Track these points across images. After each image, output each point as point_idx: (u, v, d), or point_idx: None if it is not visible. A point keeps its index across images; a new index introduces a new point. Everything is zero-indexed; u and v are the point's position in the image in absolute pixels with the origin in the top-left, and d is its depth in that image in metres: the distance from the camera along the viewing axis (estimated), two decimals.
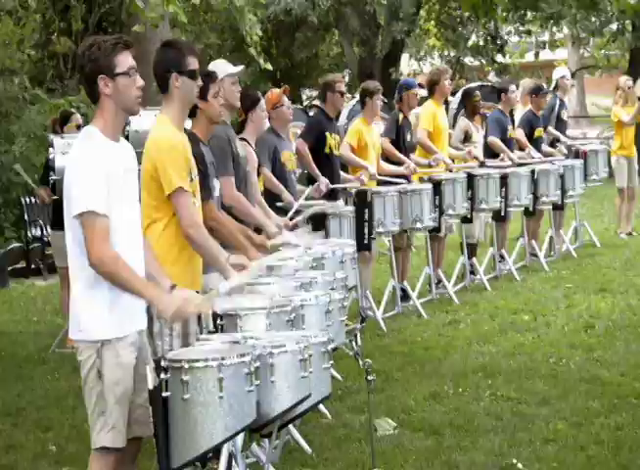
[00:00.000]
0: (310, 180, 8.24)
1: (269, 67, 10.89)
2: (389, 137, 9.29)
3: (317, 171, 8.20)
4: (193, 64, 4.72)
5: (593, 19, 22.31)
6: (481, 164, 10.10)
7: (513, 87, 10.95)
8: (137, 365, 4.01)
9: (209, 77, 5.27)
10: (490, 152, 10.49)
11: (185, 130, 5.06)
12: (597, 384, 6.51)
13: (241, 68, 6.21)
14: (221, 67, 6.02)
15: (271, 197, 7.20)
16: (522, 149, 10.96)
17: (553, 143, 11.73)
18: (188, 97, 4.76)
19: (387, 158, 9.25)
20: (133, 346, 3.99)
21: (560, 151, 11.52)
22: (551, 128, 11.70)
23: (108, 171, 3.85)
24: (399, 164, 9.16)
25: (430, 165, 9.42)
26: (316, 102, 22.66)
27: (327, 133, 8.36)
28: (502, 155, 10.44)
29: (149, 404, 3.94)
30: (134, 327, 4.01)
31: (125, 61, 3.92)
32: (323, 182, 8.06)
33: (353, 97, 15.64)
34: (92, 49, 3.90)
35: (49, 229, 12.19)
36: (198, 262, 4.85)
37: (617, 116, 12.61)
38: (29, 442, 6.00)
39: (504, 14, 21.58)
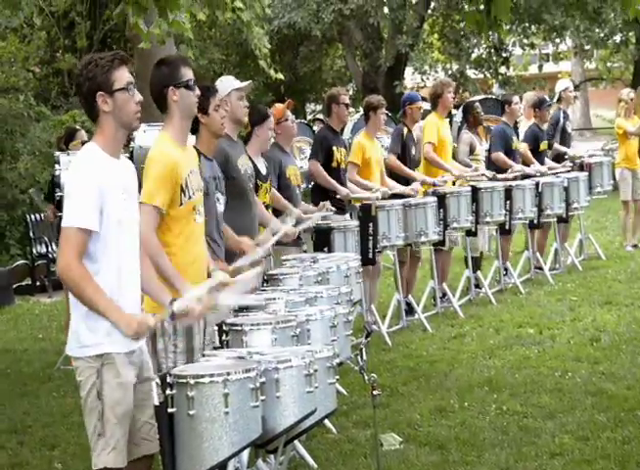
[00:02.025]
0: (317, 196, 8.26)
1: (280, 76, 10.92)
2: (395, 153, 9.31)
3: (337, 185, 8.27)
4: (187, 75, 4.71)
5: (597, 30, 22.35)
6: (492, 179, 10.10)
7: (516, 99, 10.97)
8: (138, 383, 3.99)
9: (209, 91, 5.27)
10: (494, 166, 10.50)
11: None
12: (603, 397, 6.49)
13: (248, 83, 6.22)
14: (228, 82, 6.05)
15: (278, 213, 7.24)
16: (526, 164, 10.95)
17: (557, 158, 11.73)
18: (188, 109, 4.75)
19: (392, 173, 9.27)
20: (133, 364, 3.97)
21: (564, 166, 11.51)
22: (557, 145, 11.70)
23: (102, 188, 3.84)
24: (406, 180, 9.22)
25: (434, 185, 9.42)
26: (319, 116, 22.77)
27: (334, 147, 8.40)
28: (509, 170, 10.46)
29: (154, 421, 3.94)
30: (135, 344, 3.99)
31: (123, 76, 3.92)
32: (343, 192, 8.22)
33: (357, 111, 15.66)
34: (89, 67, 3.90)
35: (55, 246, 12.26)
36: (202, 273, 4.83)
37: (621, 127, 12.61)
38: (35, 459, 5.99)
39: (507, 27, 21.65)
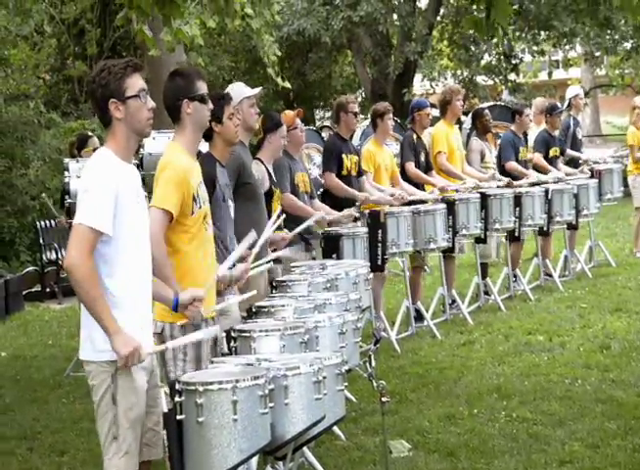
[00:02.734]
0: (328, 203, 8.25)
1: (287, 85, 10.94)
2: (411, 161, 9.31)
3: (355, 192, 8.28)
4: (202, 88, 4.75)
5: (607, 37, 22.31)
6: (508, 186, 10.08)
7: (528, 110, 10.96)
8: (147, 389, 4.00)
9: (223, 100, 5.30)
10: (506, 175, 10.47)
11: (201, 152, 5.07)
12: (613, 405, 6.47)
13: (258, 90, 6.26)
14: (239, 89, 6.08)
15: (298, 221, 7.27)
16: (540, 172, 10.93)
17: (570, 163, 11.71)
18: (200, 121, 4.78)
19: (407, 178, 9.29)
20: (145, 370, 3.99)
21: (582, 171, 11.50)
22: (570, 151, 11.70)
23: (118, 192, 3.85)
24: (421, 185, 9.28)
25: (457, 191, 9.45)
26: (327, 123, 22.74)
27: (343, 155, 8.41)
28: (524, 178, 10.46)
29: (159, 427, 3.95)
30: (148, 349, 4.00)
31: (135, 83, 3.94)
32: (361, 197, 8.22)
33: (366, 118, 15.68)
34: (102, 74, 3.91)
35: (65, 253, 12.29)
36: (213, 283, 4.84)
37: (633, 139, 12.52)
38: (45, 465, 6.01)
39: (517, 33, 21.65)
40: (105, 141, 4.07)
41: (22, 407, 7.37)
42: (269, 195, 6.48)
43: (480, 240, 9.76)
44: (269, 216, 6.26)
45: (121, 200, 3.86)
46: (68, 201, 8.26)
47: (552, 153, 11.25)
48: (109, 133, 4.00)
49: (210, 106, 4.80)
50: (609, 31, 21.86)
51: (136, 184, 4.03)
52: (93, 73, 3.98)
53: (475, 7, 6.80)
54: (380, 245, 8.26)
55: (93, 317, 3.80)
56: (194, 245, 4.67)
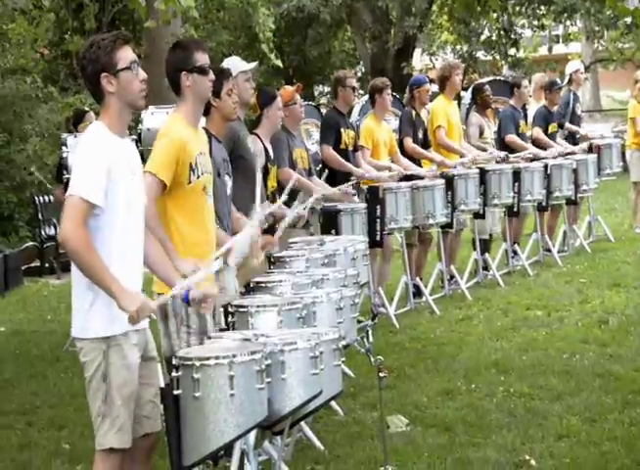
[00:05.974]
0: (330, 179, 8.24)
1: (279, 63, 10.88)
2: (410, 136, 9.28)
3: (352, 167, 8.25)
4: (201, 59, 4.74)
5: (608, 12, 22.17)
6: (504, 160, 10.06)
7: (525, 82, 10.93)
8: (142, 362, 4.00)
9: (223, 75, 5.29)
10: (505, 149, 10.44)
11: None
12: (611, 379, 6.49)
13: (254, 64, 6.26)
14: (234, 64, 6.07)
15: (295, 196, 7.25)
16: (539, 147, 10.89)
17: (570, 138, 11.68)
18: (201, 93, 4.79)
19: (406, 154, 9.26)
20: (137, 346, 3.98)
21: (581, 148, 11.47)
22: (569, 124, 11.67)
23: (110, 166, 3.83)
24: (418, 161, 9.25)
25: (454, 168, 9.43)
26: (323, 100, 22.67)
27: (341, 129, 8.40)
28: (523, 152, 10.43)
29: (158, 399, 3.96)
30: (141, 323, 3.96)
31: (126, 55, 3.91)
32: (358, 173, 8.22)
33: (365, 94, 15.63)
34: (92, 49, 3.89)
35: None
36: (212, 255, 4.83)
37: (634, 112, 12.48)
38: (43, 440, 6.02)
39: (517, 8, 21.54)
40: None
41: (21, 382, 7.39)
42: (264, 172, 6.45)
43: (479, 215, 9.75)
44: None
45: (114, 174, 3.84)
46: (66, 176, 8.24)
47: (551, 129, 11.23)
48: (102, 108, 3.97)
49: (212, 76, 4.79)
50: (609, 6, 21.70)
51: (131, 159, 4.01)
52: (83, 50, 3.96)
53: None
54: (378, 221, 8.26)
55: (95, 284, 3.78)
56: (190, 214, 4.70)
